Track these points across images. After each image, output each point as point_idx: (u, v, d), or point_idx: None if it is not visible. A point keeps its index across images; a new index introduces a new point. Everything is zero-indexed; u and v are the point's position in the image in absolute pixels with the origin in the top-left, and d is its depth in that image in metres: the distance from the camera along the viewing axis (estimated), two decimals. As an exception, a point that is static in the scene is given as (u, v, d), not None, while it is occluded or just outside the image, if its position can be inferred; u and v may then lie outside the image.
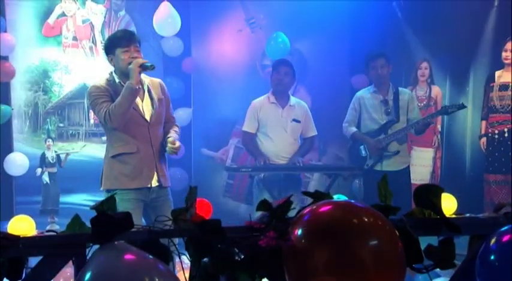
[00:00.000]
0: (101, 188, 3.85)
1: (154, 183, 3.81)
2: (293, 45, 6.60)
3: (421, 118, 5.38)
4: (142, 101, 3.81)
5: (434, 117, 5.48)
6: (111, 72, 3.83)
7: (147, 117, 3.81)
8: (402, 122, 5.38)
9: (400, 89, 5.52)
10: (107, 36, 6.45)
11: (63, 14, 6.35)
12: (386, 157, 5.36)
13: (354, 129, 5.48)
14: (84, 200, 6.21)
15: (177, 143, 3.84)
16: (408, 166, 5.51)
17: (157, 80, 3.98)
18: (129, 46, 3.73)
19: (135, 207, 3.72)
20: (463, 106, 5.25)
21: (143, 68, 3.70)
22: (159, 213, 3.68)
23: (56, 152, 6.33)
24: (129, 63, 3.69)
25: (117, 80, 3.79)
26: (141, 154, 3.77)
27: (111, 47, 3.78)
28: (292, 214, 1.60)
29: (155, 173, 3.81)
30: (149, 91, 3.86)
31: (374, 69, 5.39)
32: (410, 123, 5.35)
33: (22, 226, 4.30)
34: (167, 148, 3.81)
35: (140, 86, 3.77)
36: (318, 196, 1.62)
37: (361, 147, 5.45)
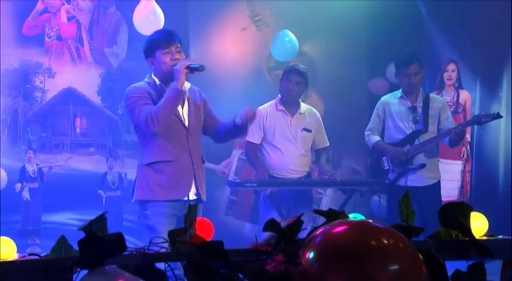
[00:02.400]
0: (133, 200, 3.92)
1: (191, 196, 3.91)
2: (304, 45, 6.62)
3: (451, 127, 5.33)
4: (182, 108, 3.94)
5: (465, 127, 5.44)
6: (150, 75, 3.95)
7: (187, 124, 3.94)
8: (431, 132, 5.32)
9: (431, 95, 5.48)
10: (94, 35, 6.50)
11: (46, 11, 6.39)
12: (411, 171, 5.33)
13: (377, 138, 5.45)
14: (69, 220, 6.22)
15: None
16: (438, 182, 5.43)
17: (196, 87, 4.12)
18: (169, 47, 3.87)
19: (167, 222, 3.81)
20: (498, 116, 5.17)
21: (190, 69, 3.82)
22: None
23: (37, 165, 6.35)
24: (173, 66, 3.82)
25: (157, 82, 3.90)
26: (179, 163, 3.87)
27: (150, 50, 3.91)
28: (303, 235, 1.61)
29: (193, 185, 3.91)
30: (189, 97, 3.98)
31: (407, 77, 5.32)
32: (439, 134, 5.31)
33: (1, 248, 4.31)
34: (244, 115, 3.93)
35: (186, 89, 3.90)
36: (332, 215, 1.63)
37: (383, 158, 5.44)
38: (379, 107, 5.48)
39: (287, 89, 5.27)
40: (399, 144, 5.37)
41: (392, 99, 5.46)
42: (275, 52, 6.47)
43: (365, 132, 5.52)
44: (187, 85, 3.97)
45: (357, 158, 6.69)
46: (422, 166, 5.31)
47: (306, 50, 6.80)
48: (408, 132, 5.36)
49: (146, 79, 3.95)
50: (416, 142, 5.32)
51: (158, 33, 4.02)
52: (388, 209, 5.42)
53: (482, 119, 5.24)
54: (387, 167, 5.41)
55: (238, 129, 4.02)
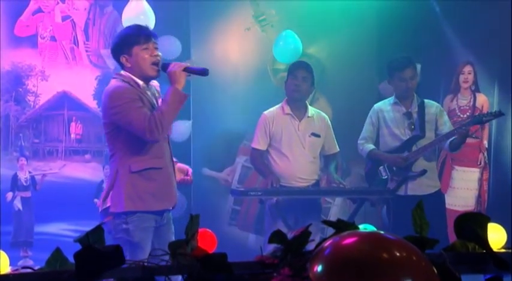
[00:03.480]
0: (113, 210, 3.75)
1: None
2: (310, 46, 6.63)
3: (452, 129, 5.35)
4: None
5: (469, 127, 5.43)
6: (121, 73, 3.83)
7: None
8: (429, 138, 5.37)
9: (426, 101, 5.51)
10: (90, 35, 6.52)
11: (39, 10, 6.41)
12: (412, 179, 5.34)
13: (371, 146, 5.49)
14: (64, 231, 6.23)
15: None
16: (439, 191, 5.49)
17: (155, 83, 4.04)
18: (148, 42, 3.79)
19: (149, 237, 3.80)
20: (500, 114, 5.24)
21: (189, 71, 3.79)
22: (163, 242, 3.74)
23: (30, 173, 6.37)
24: (153, 63, 3.76)
25: (139, 83, 3.80)
26: (166, 170, 3.86)
27: (125, 46, 3.80)
28: (310, 247, 1.62)
29: (176, 195, 3.93)
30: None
31: (403, 82, 5.36)
32: (441, 136, 5.32)
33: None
34: (185, 179, 4.08)
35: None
36: (341, 226, 1.64)
37: (381, 168, 5.45)
38: (373, 115, 5.53)
39: (294, 85, 5.26)
40: (396, 151, 5.40)
41: (386, 106, 5.51)
42: (277, 54, 6.49)
43: (358, 142, 5.56)
44: (155, 83, 3.92)
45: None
46: (424, 172, 5.33)
47: (312, 52, 6.81)
48: (404, 139, 5.40)
49: (120, 77, 3.80)
50: (414, 148, 5.35)
51: (133, 29, 3.88)
52: (394, 220, 5.41)
53: (484, 118, 5.28)
54: (385, 177, 5.43)
55: None
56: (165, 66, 3.77)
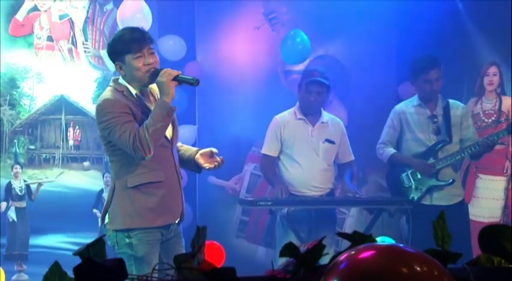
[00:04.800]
0: (112, 227, 3.79)
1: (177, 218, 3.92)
2: (324, 46, 6.64)
3: (484, 138, 5.33)
4: None
5: (500, 137, 5.42)
6: (117, 80, 3.84)
7: (169, 136, 3.87)
8: (456, 143, 5.35)
9: (451, 101, 5.49)
10: (89, 35, 6.54)
11: (35, 8, 6.44)
12: (437, 188, 5.33)
13: (393, 150, 5.46)
14: (61, 243, 6.25)
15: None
16: (463, 200, 5.48)
17: None
18: (141, 50, 3.75)
19: (154, 250, 3.81)
20: None
21: (179, 81, 3.72)
22: (171, 256, 3.75)
23: (25, 181, 6.38)
24: (147, 72, 3.73)
25: (133, 92, 3.80)
26: (169, 183, 3.84)
27: (117, 53, 3.79)
28: (324, 261, 1.62)
29: (181, 207, 3.91)
30: None
31: (427, 83, 5.34)
32: (470, 143, 5.29)
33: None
34: (211, 165, 3.95)
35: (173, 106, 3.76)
36: (357, 238, 1.64)
37: (403, 175, 5.44)
38: (394, 117, 5.50)
39: (308, 100, 5.29)
40: (420, 157, 5.37)
41: (408, 108, 5.48)
42: (285, 54, 6.50)
43: (377, 146, 5.54)
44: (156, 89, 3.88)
45: (384, 173, 6.67)
46: (452, 182, 5.31)
47: (327, 52, 6.81)
48: (428, 143, 5.36)
49: (115, 85, 3.80)
50: (440, 155, 5.32)
51: (126, 33, 3.84)
52: (413, 232, 5.39)
53: None
54: (408, 184, 5.41)
55: (193, 165, 4.01)
56: (155, 74, 3.73)
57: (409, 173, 5.41)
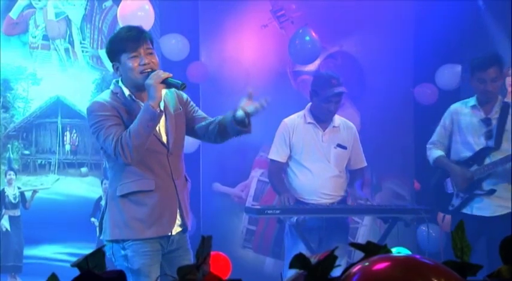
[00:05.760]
0: (103, 238, 3.84)
1: (176, 229, 3.87)
2: (337, 45, 6.64)
3: None
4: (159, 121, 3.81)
5: None
6: (117, 82, 3.85)
7: (166, 140, 3.84)
8: (504, 150, 5.24)
9: (510, 103, 5.39)
10: (87, 34, 6.56)
11: (30, 6, 6.46)
12: (478, 197, 5.27)
13: (439, 152, 5.39)
14: (57, 254, 6.26)
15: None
16: (510, 213, 5.27)
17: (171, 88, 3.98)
18: (137, 49, 3.74)
19: (153, 262, 3.79)
20: None
21: (167, 85, 3.71)
22: (175, 268, 3.75)
23: (19, 188, 6.40)
24: (142, 73, 3.73)
25: (126, 93, 3.81)
26: (161, 192, 3.81)
27: (114, 53, 3.80)
28: (336, 273, 1.63)
29: (178, 217, 3.86)
30: (165, 105, 3.86)
31: (482, 83, 5.23)
32: None
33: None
34: (253, 107, 3.79)
35: (162, 109, 3.73)
36: (371, 249, 1.64)
37: (448, 180, 5.40)
38: (447, 117, 5.42)
39: (327, 110, 5.26)
40: (465, 163, 5.30)
41: (463, 109, 5.39)
42: (293, 54, 6.51)
43: (427, 146, 5.50)
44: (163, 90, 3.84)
45: (400, 180, 6.67)
46: (491, 191, 5.21)
47: (338, 51, 6.81)
48: (477, 148, 5.27)
49: (112, 87, 3.83)
50: (487, 161, 5.23)
51: (123, 31, 3.86)
52: (447, 243, 5.35)
53: None
54: (451, 191, 5.37)
55: (241, 124, 3.78)
56: (149, 76, 3.71)
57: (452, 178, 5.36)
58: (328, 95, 5.23)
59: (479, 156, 5.26)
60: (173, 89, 3.90)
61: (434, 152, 5.41)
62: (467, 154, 5.30)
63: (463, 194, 5.30)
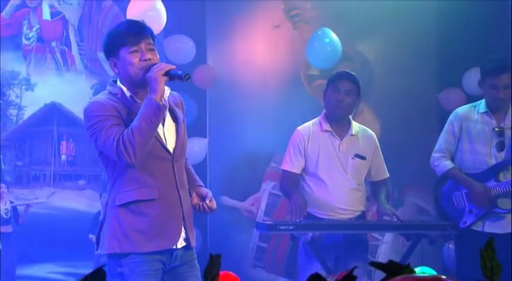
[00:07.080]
0: (100, 251, 3.83)
1: (180, 243, 3.84)
2: (354, 48, 6.66)
3: None
4: (163, 125, 3.81)
5: None
6: (115, 82, 3.84)
7: (171, 147, 3.83)
8: None
9: None
10: (85, 35, 6.59)
11: (23, 5, 6.49)
12: (493, 215, 5.26)
13: (450, 164, 5.39)
14: (52, 273, 6.28)
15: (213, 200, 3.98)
16: None
17: (175, 92, 3.99)
18: (138, 44, 3.73)
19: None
20: None
21: (170, 77, 3.71)
22: None
23: (11, 202, 6.42)
24: (143, 68, 3.72)
25: (127, 94, 3.80)
26: (164, 201, 3.79)
27: (112, 48, 3.79)
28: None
29: (183, 229, 3.84)
30: (172, 109, 3.87)
31: (494, 90, 5.22)
32: None
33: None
34: (201, 205, 3.93)
35: (165, 103, 3.72)
36: (393, 269, 1.65)
37: (456, 194, 5.39)
38: (455, 122, 5.38)
39: (336, 100, 5.25)
40: (478, 176, 5.30)
41: (473, 114, 5.37)
42: (311, 57, 6.51)
43: (433, 155, 5.45)
44: (166, 91, 3.82)
45: (424, 193, 6.66)
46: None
47: (357, 55, 6.83)
48: (488, 160, 5.28)
49: (110, 88, 3.81)
50: (502, 177, 5.22)
51: (123, 25, 3.85)
52: (458, 260, 5.36)
53: None
54: (462, 206, 5.35)
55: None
56: (149, 70, 3.70)
57: (463, 193, 5.33)
58: (335, 80, 5.23)
59: (494, 170, 5.24)
60: (176, 94, 3.93)
61: (445, 163, 5.34)
62: (476, 164, 5.29)
63: (478, 210, 5.27)
